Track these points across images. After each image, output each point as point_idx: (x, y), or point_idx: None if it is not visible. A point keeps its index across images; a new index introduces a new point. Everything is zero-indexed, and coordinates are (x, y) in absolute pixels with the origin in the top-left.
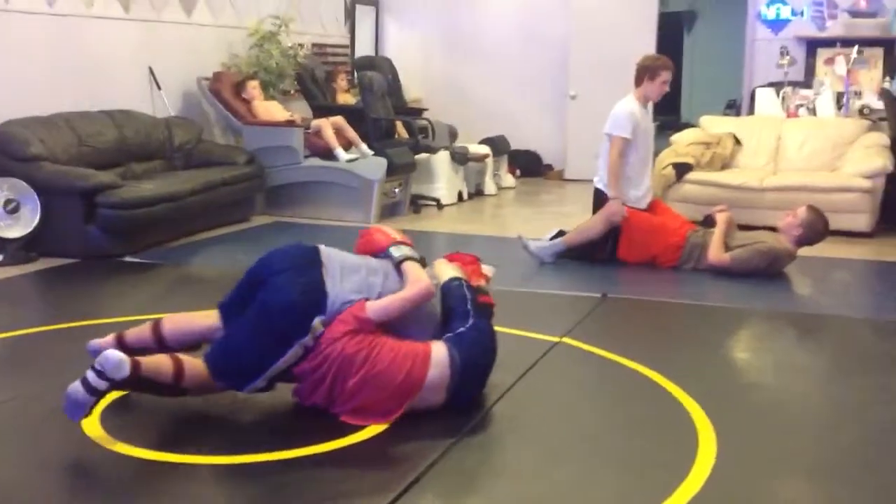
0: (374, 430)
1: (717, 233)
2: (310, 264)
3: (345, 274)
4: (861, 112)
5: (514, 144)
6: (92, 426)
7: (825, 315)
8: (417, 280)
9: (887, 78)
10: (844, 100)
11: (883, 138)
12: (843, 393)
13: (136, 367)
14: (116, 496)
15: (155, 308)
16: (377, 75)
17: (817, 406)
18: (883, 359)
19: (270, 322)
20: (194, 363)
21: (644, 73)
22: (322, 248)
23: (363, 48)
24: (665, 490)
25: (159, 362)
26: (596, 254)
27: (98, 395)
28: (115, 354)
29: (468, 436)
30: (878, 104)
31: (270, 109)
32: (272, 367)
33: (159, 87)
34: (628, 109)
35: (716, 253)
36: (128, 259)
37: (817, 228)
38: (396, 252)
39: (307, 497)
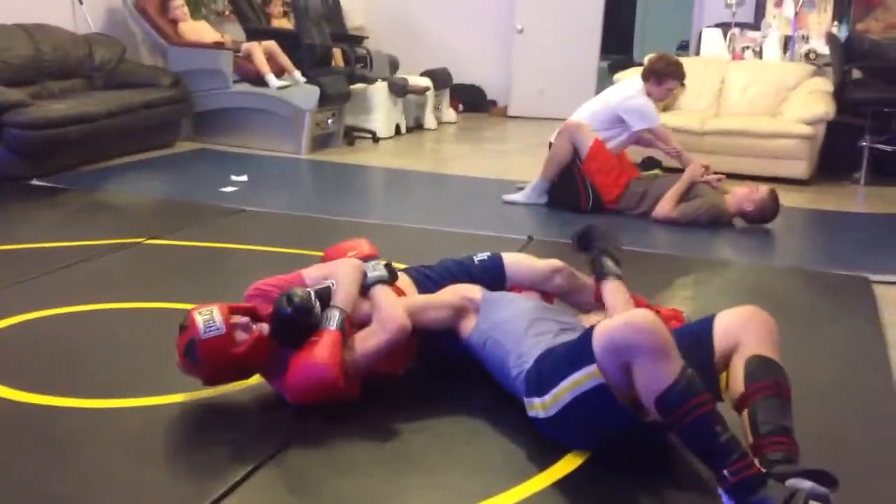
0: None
1: (676, 187)
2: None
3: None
4: (807, 56)
5: (458, 78)
6: None
7: (755, 264)
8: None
9: (835, 22)
10: (791, 43)
11: (826, 84)
12: None
13: None
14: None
15: (61, 234)
16: None
17: None
18: (811, 310)
19: None
20: None
21: (651, 75)
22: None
23: None
24: None
25: None
26: (581, 204)
27: None
28: None
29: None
30: (825, 49)
31: (199, 30)
32: None
33: (80, 2)
34: (651, 103)
35: (666, 207)
36: (36, 182)
37: (765, 215)
38: (372, 272)
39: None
